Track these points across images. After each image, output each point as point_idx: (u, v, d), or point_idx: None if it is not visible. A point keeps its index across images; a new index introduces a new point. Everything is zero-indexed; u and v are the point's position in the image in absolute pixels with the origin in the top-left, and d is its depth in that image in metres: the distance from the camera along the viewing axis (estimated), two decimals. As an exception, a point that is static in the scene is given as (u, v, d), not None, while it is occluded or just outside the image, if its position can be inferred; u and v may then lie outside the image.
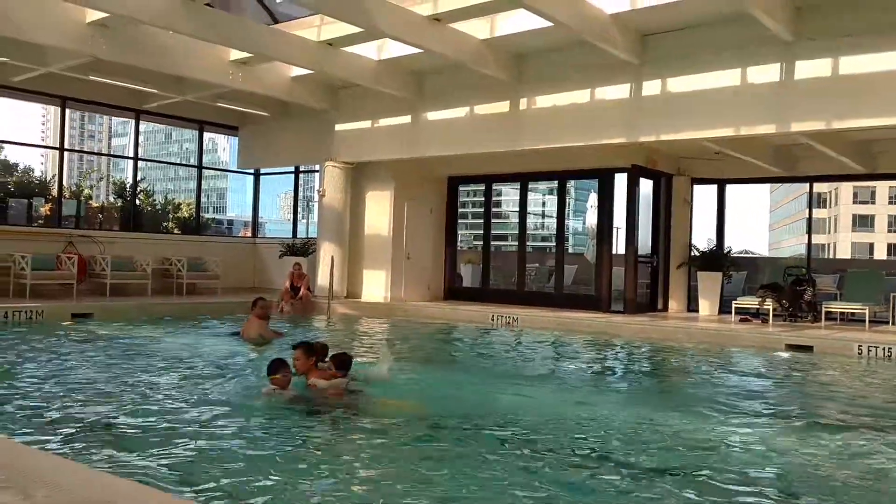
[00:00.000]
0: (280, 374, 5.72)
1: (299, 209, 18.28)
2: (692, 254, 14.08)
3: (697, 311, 13.59)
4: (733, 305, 12.56)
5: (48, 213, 16.57)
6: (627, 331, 11.56)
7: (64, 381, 6.60)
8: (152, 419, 5.24)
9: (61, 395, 5.99)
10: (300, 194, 18.41)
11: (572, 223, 16.98)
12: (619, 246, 14.18)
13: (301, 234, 17.58)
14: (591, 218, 16.76)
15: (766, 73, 10.04)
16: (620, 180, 13.69)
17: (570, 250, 18.71)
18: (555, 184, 15.41)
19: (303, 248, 15.86)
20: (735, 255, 14.39)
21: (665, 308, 14.25)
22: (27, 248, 12.83)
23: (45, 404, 5.66)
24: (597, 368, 9.12)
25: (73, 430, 4.89)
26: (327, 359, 6.44)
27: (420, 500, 3.74)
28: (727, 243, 14.41)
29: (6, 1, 10.03)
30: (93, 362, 7.71)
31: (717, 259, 13.62)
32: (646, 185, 13.79)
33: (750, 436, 5.41)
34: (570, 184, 16.18)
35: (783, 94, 9.92)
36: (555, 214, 15.31)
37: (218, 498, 3.69)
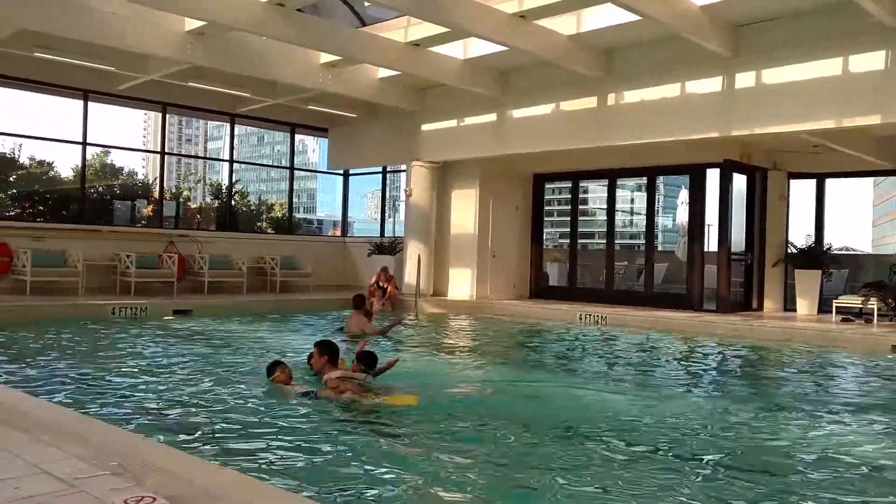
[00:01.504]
0: (277, 372, 6.04)
1: (386, 208, 18.55)
2: (789, 251, 13.55)
3: (795, 310, 13.07)
4: (834, 304, 12.03)
5: (150, 214, 17.35)
6: (721, 330, 11.23)
7: (174, 374, 6.92)
8: (250, 414, 5.43)
9: (171, 388, 6.27)
10: (387, 194, 18.68)
11: (662, 220, 16.64)
12: (711, 243, 13.81)
13: (388, 233, 17.85)
14: (682, 215, 16.40)
15: (868, 62, 9.58)
16: (712, 176, 13.31)
17: (660, 248, 18.35)
18: (644, 180, 15.12)
19: (390, 247, 16.09)
20: (835, 251, 13.76)
21: (760, 307, 13.78)
22: (131, 248, 13.49)
23: (156, 395, 5.95)
24: (690, 368, 8.90)
25: (181, 422, 5.12)
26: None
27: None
28: (827, 240, 13.80)
29: (112, 15, 10.57)
30: (202, 356, 8.05)
31: (815, 256, 13.06)
32: (739, 181, 13.34)
33: (852, 441, 5.19)
34: (660, 180, 15.88)
35: (888, 83, 9.44)
36: (644, 211, 15.01)
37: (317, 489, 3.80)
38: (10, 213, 16.90)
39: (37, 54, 11.71)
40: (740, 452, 4.87)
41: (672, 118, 11.55)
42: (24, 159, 19.19)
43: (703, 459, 4.63)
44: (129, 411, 5.40)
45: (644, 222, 14.94)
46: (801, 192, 14.19)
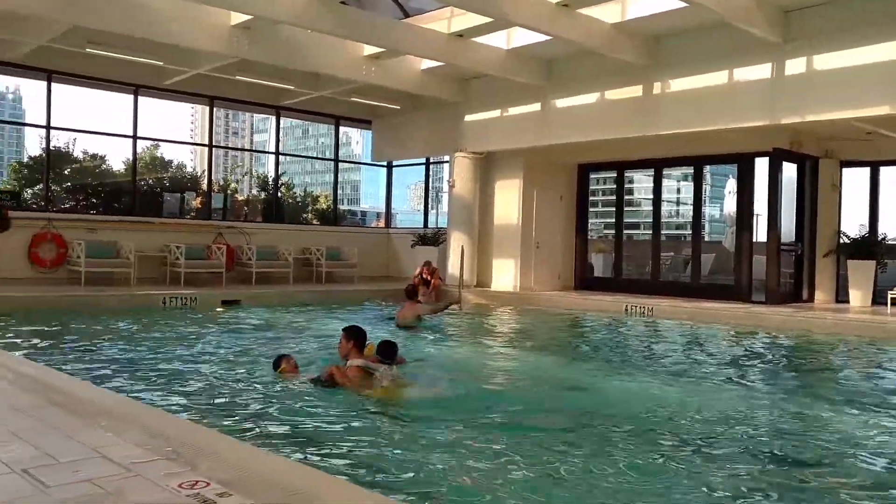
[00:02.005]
0: (283, 365, 6.16)
1: (429, 200, 18.60)
2: (841, 241, 13.22)
3: (847, 301, 12.75)
4: (889, 296, 11.72)
5: (199, 206, 17.65)
6: (770, 322, 11.03)
7: (224, 362, 7.06)
8: (294, 400, 5.53)
9: (222, 376, 6.41)
10: (430, 185, 18.73)
11: (709, 210, 16.36)
12: (759, 233, 13.54)
13: (431, 224, 17.90)
14: (730, 204, 16.10)
15: (926, 46, 9.29)
16: (761, 165, 13.04)
17: (707, 238, 18.07)
18: (690, 170, 14.89)
19: (434, 238, 16.14)
20: (890, 242, 13.38)
21: (811, 298, 13.48)
22: (181, 239, 13.77)
23: (207, 383, 6.09)
24: (740, 361, 8.75)
25: (232, 410, 5.23)
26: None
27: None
28: (882, 230, 13.42)
29: (161, 10, 10.78)
30: (252, 345, 8.19)
31: (869, 246, 12.71)
32: (789, 170, 13.04)
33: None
34: (707, 169, 15.62)
35: (947, 68, 9.14)
36: (690, 201, 14.80)
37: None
38: (65, 206, 17.37)
39: (89, 50, 11.99)
40: (793, 447, 4.79)
41: (719, 106, 11.36)
42: (77, 153, 19.73)
43: (753, 454, 4.57)
44: (182, 398, 5.53)
45: (691, 212, 14.72)
46: (855, 181, 13.82)
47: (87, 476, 2.72)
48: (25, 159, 22.03)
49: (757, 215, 13.59)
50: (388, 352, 6.35)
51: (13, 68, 13.24)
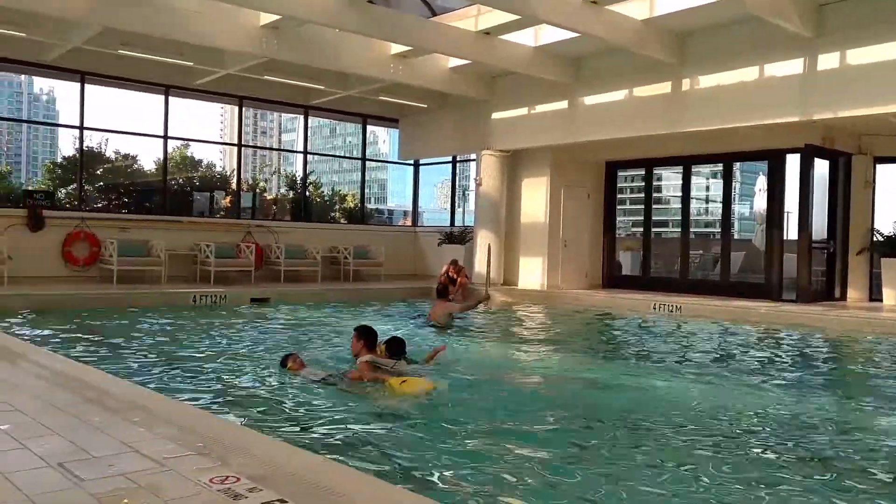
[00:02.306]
0: (290, 363, 6.28)
1: (456, 198, 18.59)
2: (875, 239, 13.01)
3: (881, 300, 12.55)
4: (924, 295, 11.51)
5: (228, 205, 17.83)
6: (801, 320, 10.88)
7: (254, 359, 7.13)
8: (323, 398, 5.57)
9: (252, 373, 6.47)
10: (457, 183, 18.72)
11: (738, 208, 16.15)
12: (790, 231, 13.36)
13: (457, 222, 17.90)
14: (760, 202, 15.92)
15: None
16: (792, 161, 12.86)
17: (737, 236, 17.84)
18: (720, 167, 14.74)
19: (460, 237, 16.14)
20: (926, 240, 13.13)
21: (843, 297, 13.28)
22: (210, 238, 13.92)
23: (238, 380, 6.15)
24: (772, 360, 8.65)
25: (261, 406, 5.29)
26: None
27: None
28: (917, 227, 13.18)
29: (191, 11, 10.90)
30: (282, 342, 8.27)
31: (904, 244, 12.50)
32: (821, 166, 12.85)
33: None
34: (736, 166, 15.40)
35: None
36: (720, 199, 14.64)
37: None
38: (98, 205, 17.64)
39: (121, 51, 12.16)
40: (826, 448, 4.72)
41: (750, 102, 11.22)
42: (110, 153, 20.01)
43: (785, 454, 4.52)
44: (212, 395, 5.60)
45: (720, 210, 14.57)
46: (889, 178, 13.58)
47: (121, 470, 2.78)
48: (59, 159, 22.39)
49: (788, 213, 13.41)
50: (396, 348, 6.41)
51: (47, 70, 13.49)
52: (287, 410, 5.21)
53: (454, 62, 13.76)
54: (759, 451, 4.57)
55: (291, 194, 21.70)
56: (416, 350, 7.09)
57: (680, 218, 14.95)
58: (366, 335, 6.35)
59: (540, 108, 14.38)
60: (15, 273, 11.63)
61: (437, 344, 7.73)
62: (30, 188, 16.64)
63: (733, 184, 15.05)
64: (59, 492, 2.57)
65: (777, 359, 8.70)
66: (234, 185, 18.17)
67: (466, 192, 19.19)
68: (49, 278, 12.37)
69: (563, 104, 13.83)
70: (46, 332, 8.35)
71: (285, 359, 6.44)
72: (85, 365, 5.33)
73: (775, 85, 10.98)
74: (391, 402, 5.43)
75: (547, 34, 12.29)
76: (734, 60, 11.31)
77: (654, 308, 12.47)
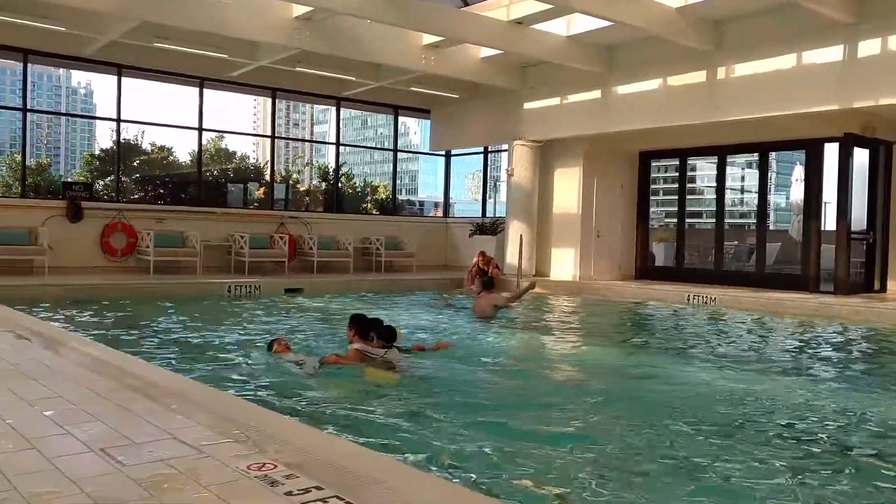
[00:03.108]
0: (275, 346, 6.60)
1: (487, 189, 18.56)
2: (917, 229, 12.73)
3: (923, 292, 12.30)
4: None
5: (262, 196, 18.01)
6: (840, 313, 10.68)
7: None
8: (358, 386, 5.60)
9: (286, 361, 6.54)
10: (488, 174, 18.69)
11: (774, 198, 15.91)
12: (828, 222, 13.13)
13: (489, 213, 17.87)
14: (797, 192, 15.64)
15: None
16: (831, 151, 12.61)
17: (772, 227, 17.61)
18: (755, 157, 14.53)
19: (492, 228, 16.12)
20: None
21: (883, 288, 13.01)
22: (245, 229, 14.07)
23: (273, 368, 6.22)
24: (810, 352, 8.51)
25: (295, 394, 5.34)
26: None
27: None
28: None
29: (225, 4, 11.00)
30: (317, 332, 8.34)
31: (947, 235, 12.22)
32: (860, 155, 12.59)
33: None
34: (773, 156, 15.19)
35: None
36: (755, 189, 14.44)
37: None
38: (135, 197, 17.92)
39: (156, 44, 12.31)
40: (866, 442, 4.65)
41: (787, 91, 11.03)
42: (145, 145, 20.35)
43: (820, 450, 4.46)
44: (248, 382, 5.67)
45: (755, 200, 14.37)
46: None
47: (161, 456, 2.82)
48: (97, 152, 22.80)
49: (826, 203, 13.18)
50: (387, 335, 6.46)
51: (85, 63, 13.70)
52: (318, 399, 5.25)
53: (486, 52, 13.71)
54: (825, 449, 4.48)
55: (324, 186, 21.85)
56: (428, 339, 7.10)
57: (714, 208, 14.77)
58: (356, 324, 6.50)
59: (572, 98, 14.28)
60: (54, 263, 11.88)
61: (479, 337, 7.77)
62: (69, 180, 16.96)
63: (769, 174, 14.84)
64: (101, 476, 2.62)
65: (818, 352, 8.55)
66: (267, 177, 18.33)
67: (498, 183, 19.16)
68: (88, 268, 12.61)
69: (597, 93, 13.72)
70: (86, 320, 8.52)
71: (272, 343, 6.71)
72: (123, 353, 5.43)
73: (814, 73, 10.77)
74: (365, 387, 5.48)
75: (580, 23, 12.18)
76: (771, 48, 11.11)
77: (689, 299, 12.35)
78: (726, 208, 14.93)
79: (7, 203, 13.33)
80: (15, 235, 11.80)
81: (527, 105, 15.01)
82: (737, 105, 11.64)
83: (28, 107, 13.88)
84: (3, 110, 33.48)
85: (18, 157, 16.42)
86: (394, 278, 14.34)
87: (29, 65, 13.29)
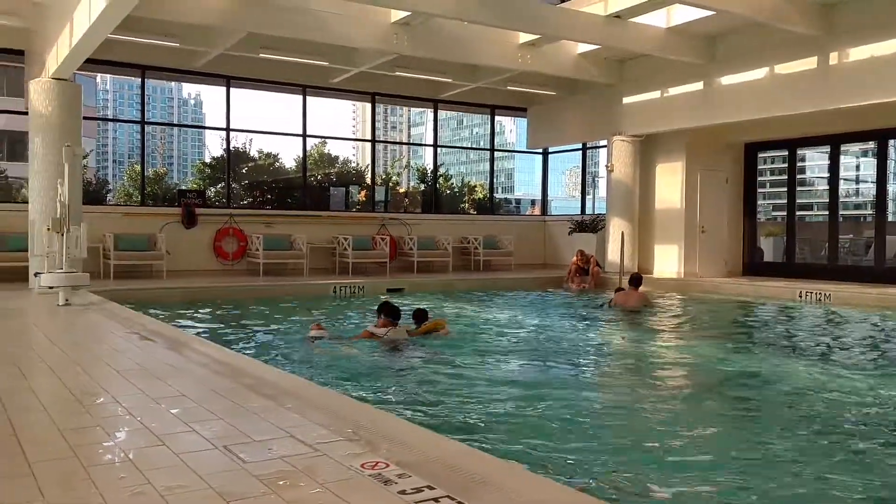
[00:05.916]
0: (313, 330, 7.45)
1: (586, 185, 18.33)
2: None
3: None
4: None
5: (363, 198, 18.41)
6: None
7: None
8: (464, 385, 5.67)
9: (390, 361, 6.69)
10: (586, 170, 18.45)
11: (893, 188, 15.02)
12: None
13: (587, 210, 17.65)
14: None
15: None
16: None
17: (892, 219, 16.62)
18: (871, 145, 13.77)
19: (592, 225, 15.92)
20: None
21: None
22: (347, 231, 14.44)
23: (381, 367, 6.37)
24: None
25: (409, 394, 5.45)
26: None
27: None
28: None
29: (326, 14, 11.33)
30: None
31: None
32: None
33: None
34: (892, 143, 14.35)
35: None
36: (872, 179, 13.69)
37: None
38: (244, 202, 18.67)
39: (262, 55, 12.79)
40: None
41: (907, 74, 10.41)
42: (253, 152, 21.15)
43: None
44: (361, 383, 5.80)
45: (872, 191, 13.62)
46: None
47: (280, 454, 2.96)
48: (208, 160, 23.87)
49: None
50: (392, 314, 7.42)
51: (196, 76, 14.39)
52: (421, 392, 5.34)
53: (582, 48, 13.56)
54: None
55: (422, 187, 22.11)
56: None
57: (827, 200, 14.10)
58: (379, 310, 7.53)
59: (673, 91, 13.93)
60: (171, 267, 12.53)
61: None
62: (183, 188, 17.83)
63: (888, 162, 14.04)
64: (225, 472, 2.77)
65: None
66: (368, 180, 18.71)
67: (596, 179, 18.89)
68: (202, 271, 13.24)
69: (698, 85, 13.34)
70: (203, 321, 8.94)
71: (312, 328, 7.55)
72: (240, 354, 5.68)
73: (937, 54, 10.13)
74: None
75: (680, 14, 11.89)
76: (887, 30, 10.51)
77: (801, 296, 11.85)
78: (840, 200, 14.23)
79: (129, 211, 14.16)
80: (136, 241, 12.52)
81: (626, 99, 14.75)
82: (851, 91, 11.08)
83: (145, 119, 14.69)
84: (123, 123, 35.45)
85: (138, 167, 17.38)
86: (493, 277, 14.38)
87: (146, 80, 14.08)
